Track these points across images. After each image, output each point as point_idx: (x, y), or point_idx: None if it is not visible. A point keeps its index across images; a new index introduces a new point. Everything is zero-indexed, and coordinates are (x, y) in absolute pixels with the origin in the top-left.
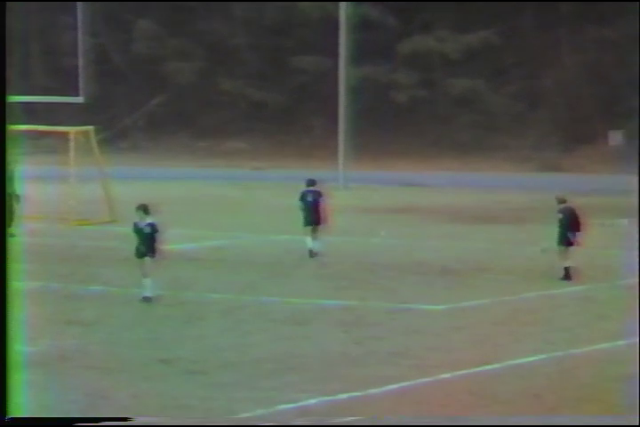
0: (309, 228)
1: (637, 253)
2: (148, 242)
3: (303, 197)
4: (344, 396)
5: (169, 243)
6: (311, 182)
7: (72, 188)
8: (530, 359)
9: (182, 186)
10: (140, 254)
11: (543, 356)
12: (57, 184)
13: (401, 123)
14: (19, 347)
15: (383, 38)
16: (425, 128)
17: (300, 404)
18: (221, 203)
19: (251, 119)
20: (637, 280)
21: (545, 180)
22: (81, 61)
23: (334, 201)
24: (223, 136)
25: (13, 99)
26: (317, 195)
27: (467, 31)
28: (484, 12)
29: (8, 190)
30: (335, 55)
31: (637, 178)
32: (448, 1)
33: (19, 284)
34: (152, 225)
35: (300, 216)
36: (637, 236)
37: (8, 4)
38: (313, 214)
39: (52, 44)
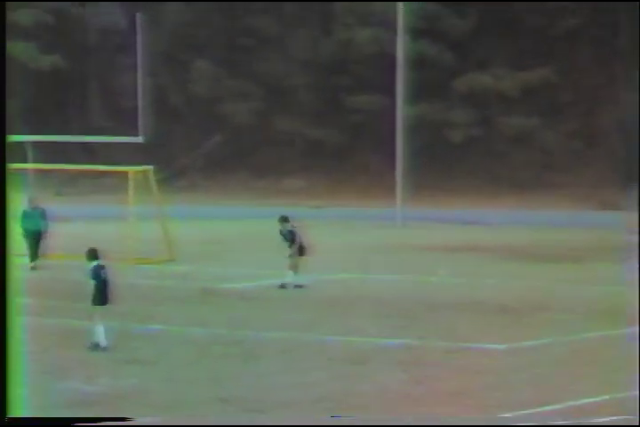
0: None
1: None
2: (97, 287)
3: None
4: None
5: (227, 282)
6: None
7: (131, 227)
8: (590, 400)
9: (240, 224)
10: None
11: (606, 397)
12: (116, 223)
13: (457, 161)
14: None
15: (439, 76)
16: (481, 166)
17: None
18: (279, 241)
19: (308, 158)
20: None
21: (604, 218)
22: (140, 102)
23: (392, 239)
24: (281, 175)
25: (74, 139)
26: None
27: (524, 68)
28: (540, 48)
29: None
30: (391, 93)
31: None
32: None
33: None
34: (95, 269)
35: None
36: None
37: None
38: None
39: (111, 85)
